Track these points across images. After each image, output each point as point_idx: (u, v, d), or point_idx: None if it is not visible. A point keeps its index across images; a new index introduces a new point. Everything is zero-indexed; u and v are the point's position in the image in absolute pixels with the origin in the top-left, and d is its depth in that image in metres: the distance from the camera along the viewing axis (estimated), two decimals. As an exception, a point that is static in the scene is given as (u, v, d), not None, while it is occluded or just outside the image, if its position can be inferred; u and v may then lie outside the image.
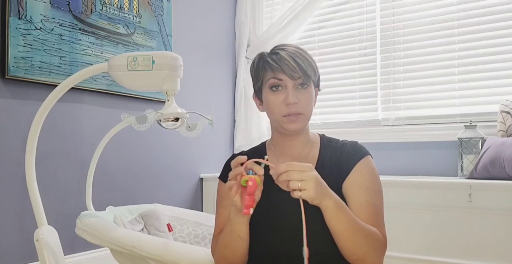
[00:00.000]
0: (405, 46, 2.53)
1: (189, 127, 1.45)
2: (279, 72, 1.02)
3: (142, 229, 1.77)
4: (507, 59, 2.25)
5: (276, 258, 1.02)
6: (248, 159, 0.94)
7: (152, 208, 1.87)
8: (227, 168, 1.15)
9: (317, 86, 1.11)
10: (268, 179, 0.93)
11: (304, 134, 1.10)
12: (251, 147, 1.23)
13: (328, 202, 0.90)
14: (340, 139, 1.13)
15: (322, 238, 0.97)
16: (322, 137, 1.14)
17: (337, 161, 1.06)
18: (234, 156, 1.15)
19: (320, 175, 0.93)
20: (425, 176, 2.31)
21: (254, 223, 1.02)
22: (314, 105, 1.10)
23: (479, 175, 1.98)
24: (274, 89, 1.04)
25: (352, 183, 1.03)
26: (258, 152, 1.16)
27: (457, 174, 2.22)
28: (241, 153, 1.17)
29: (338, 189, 1.01)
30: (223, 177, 1.14)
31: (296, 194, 0.87)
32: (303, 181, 0.86)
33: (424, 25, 2.48)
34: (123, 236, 1.41)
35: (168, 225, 1.85)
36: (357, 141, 1.11)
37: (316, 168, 1.01)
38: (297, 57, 1.03)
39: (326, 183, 0.95)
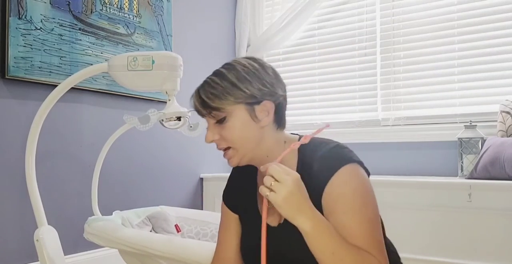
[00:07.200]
0: (405, 46, 2.53)
1: (190, 127, 1.46)
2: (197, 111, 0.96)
3: (150, 231, 1.77)
4: (507, 59, 2.25)
5: None
6: (239, 178, 0.95)
7: (158, 210, 1.87)
8: (227, 185, 1.13)
9: (263, 99, 0.92)
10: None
11: (265, 153, 0.95)
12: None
13: (304, 224, 0.78)
14: (320, 146, 0.94)
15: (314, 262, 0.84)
16: (301, 152, 0.96)
17: (310, 183, 0.86)
18: (233, 170, 1.14)
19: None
20: (425, 176, 2.30)
21: (246, 243, 1.02)
22: (265, 121, 0.93)
23: (479, 175, 1.98)
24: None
25: (326, 209, 0.87)
26: (248, 172, 1.06)
27: (457, 174, 2.22)
28: (237, 169, 1.12)
29: (316, 207, 0.84)
30: (224, 196, 1.12)
31: (263, 191, 0.79)
32: (279, 183, 0.77)
33: (424, 25, 2.47)
34: (134, 236, 1.42)
35: (176, 225, 1.85)
36: (334, 148, 0.92)
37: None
38: (203, 89, 0.92)
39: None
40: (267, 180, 0.79)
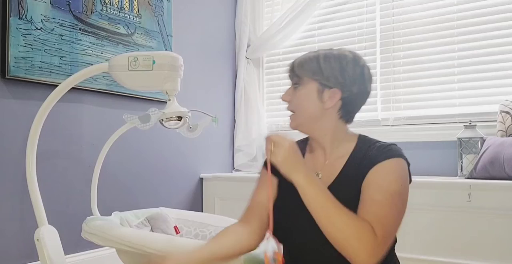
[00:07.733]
0: (405, 46, 2.53)
1: (190, 128, 1.46)
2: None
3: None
4: (507, 59, 2.26)
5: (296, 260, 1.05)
6: None
7: (158, 211, 1.87)
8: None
9: (334, 86, 1.03)
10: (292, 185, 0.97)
11: (323, 132, 1.07)
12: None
13: (297, 176, 0.95)
14: (379, 141, 1.07)
15: None
16: (360, 138, 1.10)
17: (361, 162, 1.02)
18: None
19: (345, 172, 1.02)
20: (425, 176, 2.30)
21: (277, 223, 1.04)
22: (328, 105, 1.04)
23: (479, 175, 1.98)
24: None
25: (366, 181, 0.99)
26: (301, 145, 1.14)
27: (457, 174, 2.22)
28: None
29: (355, 189, 0.99)
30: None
31: (266, 154, 0.98)
32: (276, 147, 0.95)
33: (424, 25, 2.48)
34: (132, 235, 1.42)
35: (175, 227, 1.85)
36: (392, 144, 1.04)
37: (344, 166, 1.05)
38: (301, 57, 1.08)
39: (347, 180, 1.01)
40: (268, 143, 0.97)
